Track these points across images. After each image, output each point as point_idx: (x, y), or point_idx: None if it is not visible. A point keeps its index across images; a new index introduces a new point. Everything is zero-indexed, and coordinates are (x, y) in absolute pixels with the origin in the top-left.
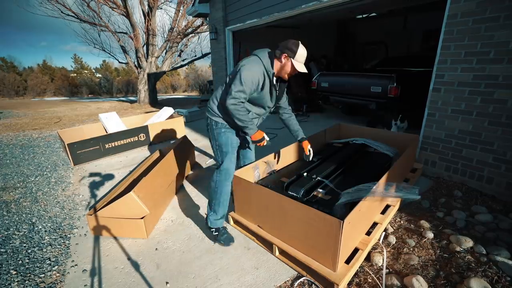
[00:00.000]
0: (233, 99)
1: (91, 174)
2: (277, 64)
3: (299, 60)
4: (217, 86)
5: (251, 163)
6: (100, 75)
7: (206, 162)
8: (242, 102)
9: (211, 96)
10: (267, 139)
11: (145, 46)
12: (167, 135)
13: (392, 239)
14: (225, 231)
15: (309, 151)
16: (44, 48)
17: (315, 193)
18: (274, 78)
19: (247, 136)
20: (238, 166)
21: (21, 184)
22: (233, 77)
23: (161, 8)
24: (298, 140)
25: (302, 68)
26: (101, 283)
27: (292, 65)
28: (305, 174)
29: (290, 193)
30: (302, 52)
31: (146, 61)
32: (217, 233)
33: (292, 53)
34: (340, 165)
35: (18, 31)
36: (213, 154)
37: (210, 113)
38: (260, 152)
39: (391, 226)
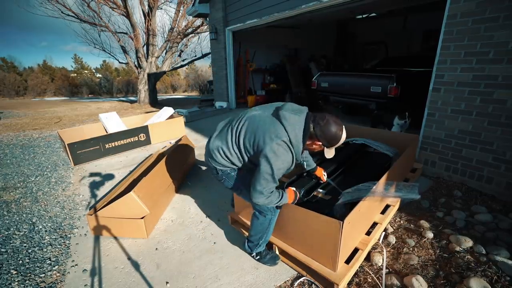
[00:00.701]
0: (262, 196)
1: (91, 174)
2: (309, 141)
3: (331, 143)
4: (220, 134)
5: None
6: (100, 75)
7: None
8: (272, 192)
9: (214, 146)
10: (299, 195)
11: (145, 46)
12: (167, 135)
13: (392, 239)
14: (266, 251)
15: (325, 175)
16: (45, 48)
17: (315, 193)
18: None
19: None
20: None
21: (21, 184)
22: (254, 160)
23: (161, 8)
24: (312, 170)
25: (329, 155)
26: (101, 283)
27: (321, 149)
28: (305, 174)
29: None
30: (340, 142)
31: (146, 61)
32: (259, 256)
33: (329, 145)
34: (340, 165)
35: (19, 31)
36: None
37: (222, 165)
38: None
39: (391, 226)
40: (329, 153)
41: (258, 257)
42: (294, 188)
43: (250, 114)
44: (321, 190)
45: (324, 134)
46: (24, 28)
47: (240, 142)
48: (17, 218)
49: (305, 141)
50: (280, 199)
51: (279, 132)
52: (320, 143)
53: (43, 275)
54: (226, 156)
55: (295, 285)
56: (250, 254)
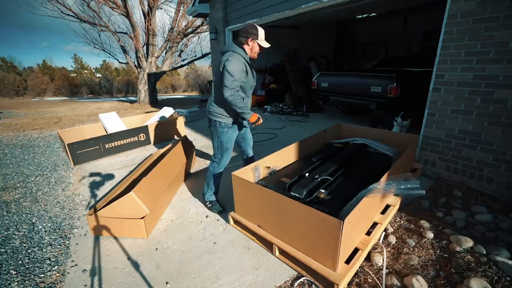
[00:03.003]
0: (230, 90)
1: (91, 174)
2: (247, 48)
3: (262, 38)
4: (212, 90)
5: (250, 143)
6: (100, 75)
7: (206, 162)
8: (237, 91)
9: (209, 100)
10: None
11: (145, 46)
12: (167, 135)
13: (392, 239)
14: (216, 203)
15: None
16: (46, 48)
17: (316, 193)
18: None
19: (245, 121)
20: (241, 151)
21: (21, 184)
22: (221, 75)
23: (161, 8)
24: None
25: (266, 44)
26: (101, 283)
27: (259, 44)
28: (306, 174)
29: (292, 193)
30: (261, 31)
31: (146, 61)
32: (210, 205)
33: (255, 35)
34: (341, 166)
35: (22, 32)
36: (213, 152)
37: (212, 114)
38: (261, 151)
39: (391, 226)
40: (264, 43)
41: (210, 205)
42: (258, 115)
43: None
44: (323, 191)
45: (244, 31)
46: (27, 29)
47: (215, 83)
48: (17, 218)
49: (241, 46)
50: (243, 106)
51: (226, 54)
52: (250, 38)
53: (43, 275)
54: (214, 100)
55: (295, 285)
56: (205, 202)
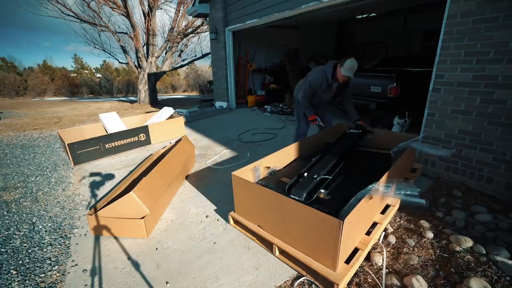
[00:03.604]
0: (303, 94)
1: (91, 174)
2: (335, 71)
3: (345, 67)
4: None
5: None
6: (100, 75)
7: (206, 162)
8: (307, 97)
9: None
10: (319, 121)
11: (145, 46)
12: (167, 135)
13: (392, 239)
14: None
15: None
16: (48, 48)
17: (316, 194)
18: (334, 82)
19: (306, 116)
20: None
21: (21, 184)
22: (304, 80)
23: (161, 8)
24: (354, 121)
25: (345, 73)
26: (101, 283)
27: (340, 71)
28: (305, 174)
29: (292, 197)
30: (348, 62)
31: (146, 61)
32: None
33: (342, 63)
34: (340, 160)
35: (24, 32)
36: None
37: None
38: (261, 151)
39: (391, 226)
40: (344, 71)
41: None
42: (318, 118)
43: None
44: (322, 191)
45: (341, 64)
46: (28, 29)
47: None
48: (17, 218)
49: (335, 68)
50: (307, 107)
51: (322, 66)
52: (339, 64)
53: (43, 275)
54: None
55: (295, 285)
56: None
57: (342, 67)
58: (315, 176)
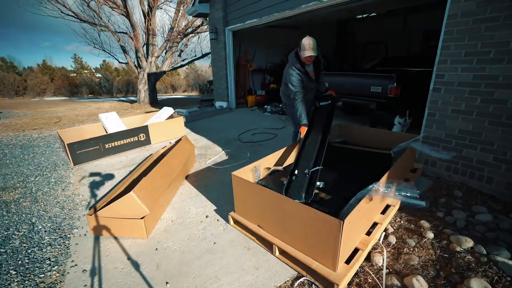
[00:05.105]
0: (294, 96)
1: (91, 174)
2: (299, 58)
3: (302, 49)
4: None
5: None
6: (100, 75)
7: (206, 162)
8: (301, 100)
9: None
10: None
11: (145, 46)
12: (167, 135)
13: (392, 239)
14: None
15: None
16: (47, 48)
17: (316, 191)
18: (307, 67)
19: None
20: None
21: (21, 184)
22: (285, 86)
23: (161, 8)
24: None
25: (305, 54)
26: (101, 283)
27: (302, 55)
28: (296, 172)
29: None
30: (303, 42)
31: (146, 61)
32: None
33: (299, 46)
34: (322, 141)
35: (22, 32)
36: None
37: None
38: (261, 151)
39: (391, 226)
40: (304, 53)
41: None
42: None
43: None
44: (319, 183)
45: (299, 45)
46: (28, 29)
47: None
48: (17, 218)
49: (297, 56)
50: (298, 108)
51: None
52: (298, 48)
53: (43, 275)
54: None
55: (295, 285)
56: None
57: (301, 51)
58: (306, 171)
